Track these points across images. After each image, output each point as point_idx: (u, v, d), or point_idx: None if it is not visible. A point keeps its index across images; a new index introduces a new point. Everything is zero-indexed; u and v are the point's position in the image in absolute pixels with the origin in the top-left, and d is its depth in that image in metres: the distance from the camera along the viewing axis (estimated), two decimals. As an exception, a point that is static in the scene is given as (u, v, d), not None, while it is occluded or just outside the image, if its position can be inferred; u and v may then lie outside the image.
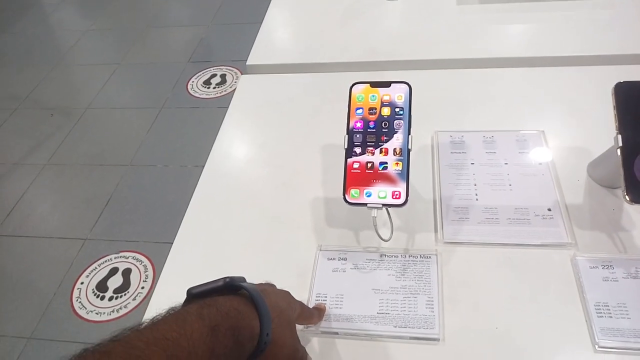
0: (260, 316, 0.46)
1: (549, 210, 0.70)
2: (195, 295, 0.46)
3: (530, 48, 0.97)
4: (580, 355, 0.56)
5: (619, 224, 0.68)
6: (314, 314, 0.61)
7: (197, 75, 2.60)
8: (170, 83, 2.57)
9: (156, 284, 0.71)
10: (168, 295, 0.67)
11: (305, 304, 0.62)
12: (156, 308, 0.64)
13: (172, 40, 2.94)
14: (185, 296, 0.47)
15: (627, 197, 0.61)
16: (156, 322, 0.41)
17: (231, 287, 0.47)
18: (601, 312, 0.59)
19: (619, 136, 0.63)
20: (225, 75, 2.57)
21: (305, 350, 0.56)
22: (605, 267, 0.63)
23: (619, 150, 0.63)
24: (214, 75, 2.58)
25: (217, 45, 2.83)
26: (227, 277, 0.47)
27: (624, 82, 0.65)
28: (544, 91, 0.89)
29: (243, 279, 0.50)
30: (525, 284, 0.63)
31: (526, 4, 1.08)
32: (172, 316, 0.42)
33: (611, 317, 0.58)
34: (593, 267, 0.63)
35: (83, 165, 2.19)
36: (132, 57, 2.82)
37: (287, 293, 0.56)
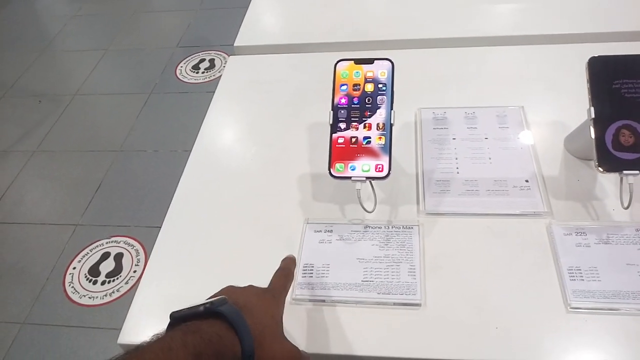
0: (240, 340, 0.47)
1: (527, 181, 0.72)
2: (178, 319, 0.48)
3: (510, 27, 1.00)
4: (553, 315, 0.59)
5: (592, 194, 0.71)
6: (288, 277, 0.63)
7: (186, 60, 2.60)
8: (158, 68, 2.57)
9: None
10: (158, 277, 0.70)
11: (293, 275, 0.65)
12: (145, 293, 0.68)
13: (160, 26, 2.93)
14: (169, 319, 0.48)
15: (599, 167, 0.64)
16: (142, 350, 0.42)
17: (212, 312, 0.48)
18: (574, 276, 0.62)
19: (592, 109, 0.65)
20: (213, 60, 2.57)
21: (305, 354, 0.57)
22: (579, 234, 0.66)
23: (591, 123, 0.65)
24: (202, 60, 2.58)
25: (205, 30, 2.82)
26: (207, 303, 0.48)
27: (597, 56, 0.67)
28: (524, 69, 0.92)
29: (224, 301, 0.50)
30: (503, 251, 0.66)
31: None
32: (157, 343, 0.43)
33: (583, 280, 0.61)
34: (567, 234, 0.66)
35: (73, 151, 2.19)
36: (119, 42, 2.81)
37: (266, 297, 0.55)
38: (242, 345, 0.47)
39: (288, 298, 0.63)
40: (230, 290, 0.55)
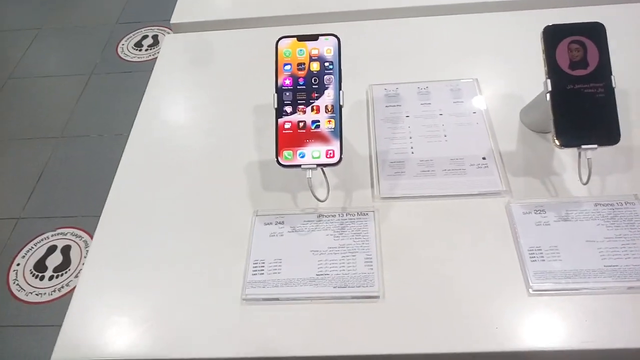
0: None
1: (484, 159, 0.70)
2: None
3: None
4: (515, 299, 0.57)
5: (551, 169, 0.69)
6: None
7: (127, 37, 2.45)
8: (98, 47, 2.42)
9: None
10: (99, 273, 0.64)
11: (242, 271, 0.60)
12: (86, 287, 0.62)
13: (98, 2, 2.75)
14: None
15: (556, 141, 0.61)
16: None
17: None
18: (534, 256, 0.60)
19: (549, 81, 0.62)
20: (157, 36, 2.44)
21: None
22: (538, 212, 0.64)
23: (548, 95, 0.62)
24: (145, 37, 2.44)
25: (146, 4, 2.66)
26: None
27: (552, 25, 0.64)
28: (477, 38, 0.88)
29: None
30: (462, 233, 0.63)
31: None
32: None
33: (544, 260, 0.59)
34: (526, 213, 0.64)
35: (9, 140, 2.05)
36: (54, 21, 2.62)
37: None
38: None
39: (238, 298, 0.59)
40: None
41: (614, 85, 0.62)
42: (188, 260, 0.65)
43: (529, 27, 0.83)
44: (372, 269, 0.60)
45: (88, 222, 1.71)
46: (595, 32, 0.63)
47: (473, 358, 0.55)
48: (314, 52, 0.64)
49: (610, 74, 0.62)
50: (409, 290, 0.59)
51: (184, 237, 0.67)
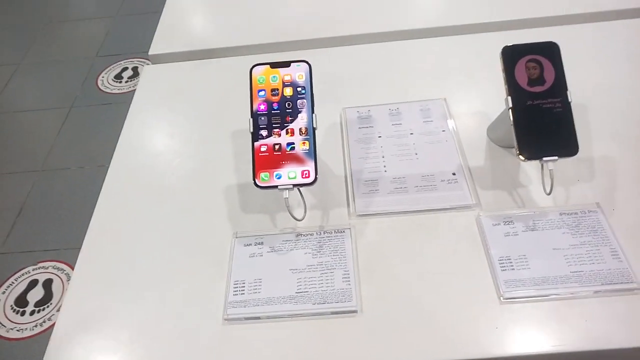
0: None
1: (454, 174, 0.73)
2: None
3: (428, 20, 1.00)
4: (487, 308, 0.59)
5: (517, 181, 0.72)
6: None
7: (107, 69, 2.47)
8: (78, 80, 2.43)
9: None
10: (80, 302, 0.65)
11: (223, 292, 0.61)
12: (67, 318, 0.63)
13: (77, 35, 2.77)
14: None
15: (520, 155, 0.65)
16: None
17: None
18: (504, 266, 0.62)
19: (509, 98, 0.66)
20: (137, 67, 2.46)
21: None
22: (507, 223, 0.67)
23: (510, 111, 0.66)
24: (125, 69, 2.47)
25: (125, 36, 2.70)
26: None
27: (510, 45, 0.68)
28: (444, 60, 0.92)
29: None
30: (436, 247, 0.66)
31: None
32: None
33: (513, 269, 0.62)
34: (496, 224, 0.67)
35: (-12, 175, 2.04)
36: (33, 55, 2.64)
37: None
38: None
39: (220, 318, 0.60)
40: None
41: (570, 100, 0.65)
42: (170, 283, 0.66)
43: (492, 48, 0.87)
44: (349, 284, 0.62)
45: (70, 254, 1.70)
46: (550, 51, 0.67)
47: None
48: (287, 77, 0.67)
49: (566, 89, 0.66)
50: (386, 304, 0.61)
51: (165, 261, 0.68)
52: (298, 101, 0.66)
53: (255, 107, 0.66)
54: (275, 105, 0.66)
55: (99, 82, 2.40)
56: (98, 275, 0.68)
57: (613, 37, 0.91)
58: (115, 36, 2.70)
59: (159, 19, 1.10)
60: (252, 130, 0.66)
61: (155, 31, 1.06)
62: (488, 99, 0.83)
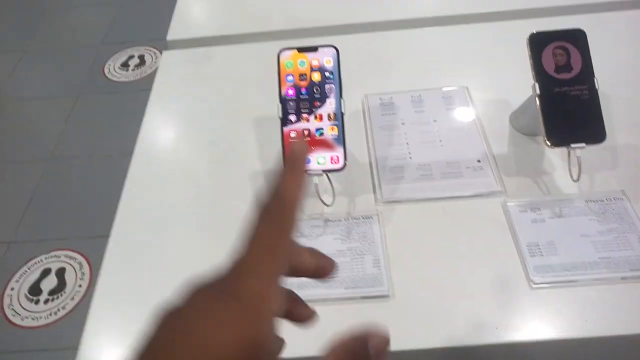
0: None
1: (479, 161, 0.73)
2: None
3: (450, 7, 1.00)
4: (518, 293, 0.60)
5: (542, 169, 0.72)
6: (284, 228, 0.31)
7: (114, 57, 2.47)
8: (84, 68, 2.43)
9: (96, 280, 0.67)
10: (113, 290, 0.65)
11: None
12: (100, 306, 0.63)
13: (82, 22, 2.76)
14: None
15: (547, 142, 0.65)
16: None
17: None
18: (533, 252, 0.63)
19: (536, 84, 0.66)
20: (143, 56, 2.45)
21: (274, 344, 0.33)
22: (533, 210, 0.67)
23: (537, 99, 0.66)
24: (131, 57, 2.46)
25: (131, 24, 2.69)
26: None
27: (537, 32, 0.68)
28: (466, 48, 0.92)
29: None
30: (463, 234, 0.66)
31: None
32: None
33: (542, 255, 0.62)
34: (522, 211, 0.67)
35: (-2, 163, 2.04)
36: (39, 43, 2.63)
37: (226, 316, 0.28)
38: None
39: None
40: (165, 323, 0.29)
41: (597, 87, 0.66)
42: (200, 268, 0.66)
43: (514, 37, 0.87)
44: (380, 269, 0.63)
45: (82, 243, 1.70)
46: (577, 38, 0.68)
47: (485, 350, 0.57)
48: (315, 62, 0.67)
49: (593, 76, 0.66)
50: (416, 289, 0.61)
51: (194, 248, 0.69)
52: (326, 86, 0.66)
53: (283, 92, 0.66)
54: (303, 91, 0.66)
55: (106, 70, 2.39)
56: (128, 266, 0.68)
57: (638, 25, 0.91)
58: (120, 23, 2.69)
59: (162, 4, 1.08)
60: (280, 115, 0.66)
61: (160, 18, 1.06)
62: (509, 87, 0.83)
